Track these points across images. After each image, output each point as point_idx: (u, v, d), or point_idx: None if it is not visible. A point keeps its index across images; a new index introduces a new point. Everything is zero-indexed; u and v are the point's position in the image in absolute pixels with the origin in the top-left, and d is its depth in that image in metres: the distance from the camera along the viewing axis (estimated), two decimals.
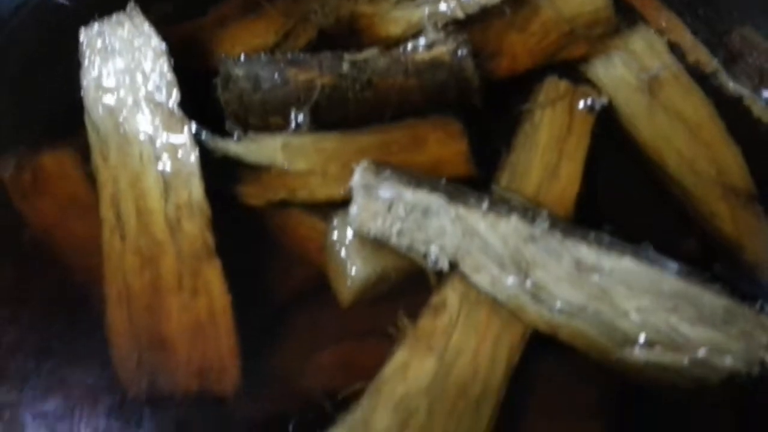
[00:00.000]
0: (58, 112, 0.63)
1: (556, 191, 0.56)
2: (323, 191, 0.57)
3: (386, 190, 0.46)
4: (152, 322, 0.55)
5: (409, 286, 0.56)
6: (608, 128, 0.60)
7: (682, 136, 0.58)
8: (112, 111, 0.58)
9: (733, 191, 0.56)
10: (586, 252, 0.47)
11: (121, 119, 0.57)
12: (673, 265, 0.49)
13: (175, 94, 0.58)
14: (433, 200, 0.46)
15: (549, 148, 0.57)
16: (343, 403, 0.53)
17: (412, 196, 0.46)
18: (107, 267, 0.55)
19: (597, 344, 0.52)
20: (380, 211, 0.48)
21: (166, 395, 0.54)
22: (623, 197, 0.59)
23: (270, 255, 0.60)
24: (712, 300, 0.46)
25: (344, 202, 0.55)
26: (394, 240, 0.50)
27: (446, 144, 0.58)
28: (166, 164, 0.55)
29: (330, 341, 0.58)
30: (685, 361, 0.50)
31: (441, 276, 0.55)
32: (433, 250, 0.50)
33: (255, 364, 0.56)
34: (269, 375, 0.57)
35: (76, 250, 0.58)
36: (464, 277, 0.53)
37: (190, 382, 0.55)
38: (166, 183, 0.55)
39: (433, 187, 0.48)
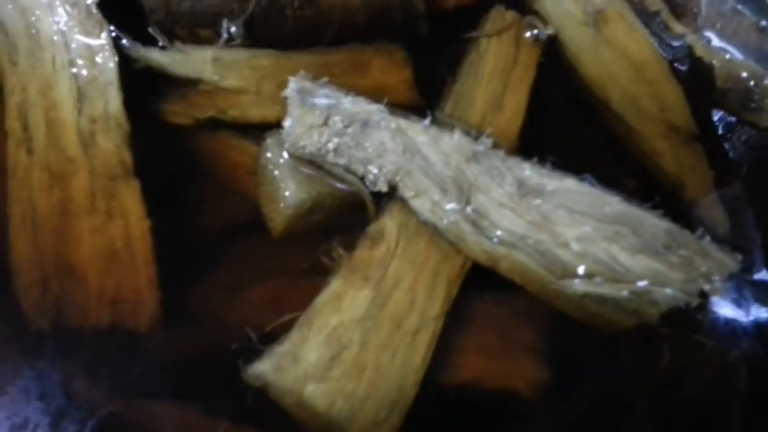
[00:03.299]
0: None
1: (500, 122, 0.54)
2: (256, 111, 0.53)
3: (323, 98, 0.43)
4: (60, 247, 0.49)
5: (345, 222, 0.54)
6: (554, 62, 0.59)
7: (626, 72, 0.58)
8: (23, 11, 0.52)
9: (674, 129, 0.56)
10: (528, 172, 0.45)
11: (33, 19, 0.51)
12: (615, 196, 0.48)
13: None
14: (373, 110, 0.43)
15: (494, 77, 0.55)
16: (271, 337, 0.50)
17: (351, 105, 0.43)
18: (11, 184, 0.50)
19: (536, 276, 0.50)
20: (316, 123, 0.44)
21: (74, 329, 0.50)
22: (566, 132, 0.58)
23: (199, 184, 0.56)
24: (654, 223, 0.46)
25: (279, 125, 0.52)
26: (330, 159, 0.47)
27: (389, 71, 0.56)
28: (81, 71, 0.50)
29: (260, 277, 0.54)
30: (625, 292, 0.49)
31: (380, 205, 0.53)
32: (372, 170, 0.47)
33: (176, 297, 0.52)
34: (191, 310, 0.53)
35: None
36: (404, 205, 0.50)
37: (102, 315, 0.50)
38: (81, 92, 0.50)
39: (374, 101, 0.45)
